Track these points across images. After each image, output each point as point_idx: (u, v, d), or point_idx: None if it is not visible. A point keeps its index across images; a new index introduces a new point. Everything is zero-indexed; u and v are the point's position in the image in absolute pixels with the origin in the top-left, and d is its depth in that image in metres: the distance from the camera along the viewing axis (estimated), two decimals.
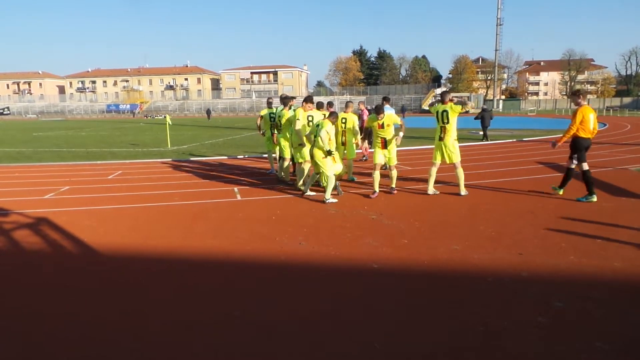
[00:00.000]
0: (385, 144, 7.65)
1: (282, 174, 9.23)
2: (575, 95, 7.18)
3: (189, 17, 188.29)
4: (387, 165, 7.94)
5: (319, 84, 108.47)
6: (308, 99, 8.12)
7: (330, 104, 9.83)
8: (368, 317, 3.47)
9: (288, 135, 8.79)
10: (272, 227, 5.93)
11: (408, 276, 4.26)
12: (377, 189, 7.68)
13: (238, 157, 14.26)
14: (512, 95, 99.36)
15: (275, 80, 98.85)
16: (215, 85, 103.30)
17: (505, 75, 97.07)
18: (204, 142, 20.27)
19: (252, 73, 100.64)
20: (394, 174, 7.88)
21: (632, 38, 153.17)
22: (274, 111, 9.66)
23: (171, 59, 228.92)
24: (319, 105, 8.52)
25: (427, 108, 68.40)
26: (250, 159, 13.84)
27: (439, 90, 79.45)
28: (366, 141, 11.91)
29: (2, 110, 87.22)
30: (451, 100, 7.61)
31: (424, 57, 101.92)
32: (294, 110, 8.41)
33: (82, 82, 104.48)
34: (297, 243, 5.25)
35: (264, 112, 10.13)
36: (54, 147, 18.75)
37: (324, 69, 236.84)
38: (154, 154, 15.61)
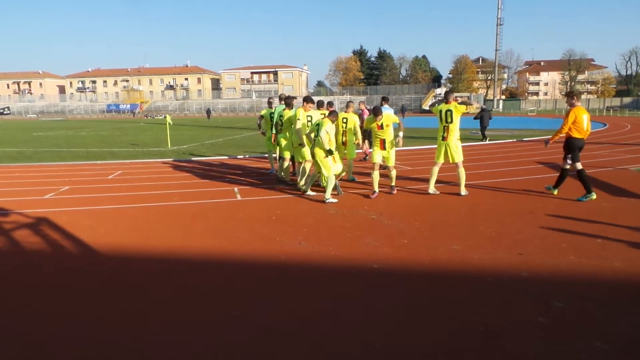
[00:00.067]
0: (384, 145, 7.64)
1: (282, 174, 9.23)
2: (569, 96, 7.29)
3: (189, 17, 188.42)
4: (386, 166, 7.93)
5: (319, 84, 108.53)
6: (308, 99, 8.12)
7: (330, 104, 9.84)
8: (368, 317, 3.47)
9: (288, 135, 8.79)
10: (272, 227, 5.93)
11: (408, 276, 4.26)
12: (376, 189, 7.68)
13: (238, 157, 14.26)
14: (512, 95, 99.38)
15: (276, 80, 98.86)
16: (216, 85, 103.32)
17: (505, 75, 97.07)
18: (204, 142, 20.27)
19: (252, 73, 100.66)
20: (393, 174, 7.88)
21: (632, 38, 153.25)
22: (273, 111, 9.65)
23: (171, 59, 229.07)
24: (319, 104, 8.52)
25: (427, 108, 68.55)
26: (250, 159, 13.84)
27: (439, 90, 79.60)
28: (367, 141, 11.92)
29: (2, 110, 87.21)
30: (455, 100, 7.61)
31: (424, 57, 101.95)
32: (295, 110, 8.42)
33: (82, 82, 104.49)
34: (297, 243, 5.25)
35: (265, 111, 10.14)
36: (54, 147, 18.76)
37: (324, 69, 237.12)
38: (154, 154, 15.61)
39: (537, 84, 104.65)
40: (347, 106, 9.39)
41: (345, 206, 7.00)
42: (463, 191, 7.62)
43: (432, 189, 7.76)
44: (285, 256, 4.84)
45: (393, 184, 7.92)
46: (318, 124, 7.43)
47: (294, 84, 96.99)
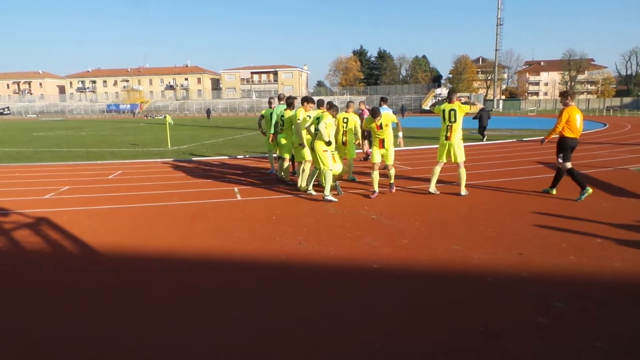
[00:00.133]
0: (383, 144, 7.64)
1: (282, 174, 9.23)
2: (563, 95, 7.39)
3: (189, 17, 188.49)
4: (385, 165, 7.92)
5: (319, 84, 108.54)
6: (309, 99, 8.12)
7: (329, 108, 9.85)
8: (368, 317, 3.47)
9: (288, 135, 8.79)
10: (272, 227, 5.93)
11: (408, 276, 4.26)
12: (376, 188, 7.68)
13: (238, 157, 14.26)
14: (512, 95, 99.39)
15: (276, 80, 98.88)
16: (216, 85, 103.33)
17: (505, 75, 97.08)
18: (204, 142, 20.26)
19: (252, 73, 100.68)
20: (392, 172, 7.88)
21: (632, 38, 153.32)
22: (272, 111, 9.63)
23: (171, 59, 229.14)
24: (319, 104, 8.53)
25: (427, 108, 68.53)
26: (250, 159, 13.84)
27: (439, 90, 79.58)
28: (367, 141, 11.93)
29: (2, 110, 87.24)
30: (459, 100, 7.62)
31: (424, 57, 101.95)
32: (295, 110, 8.41)
33: (82, 82, 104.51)
34: (297, 243, 5.25)
35: (265, 111, 10.13)
36: (54, 147, 18.75)
37: (324, 69, 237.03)
38: (154, 154, 15.61)
39: (537, 84, 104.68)
40: (348, 106, 9.40)
41: (345, 206, 7.00)
42: (463, 191, 7.62)
43: (432, 188, 7.77)
44: (285, 256, 4.84)
45: (392, 181, 7.93)
46: (318, 117, 7.45)
47: (294, 84, 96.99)
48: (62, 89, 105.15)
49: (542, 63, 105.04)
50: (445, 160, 7.65)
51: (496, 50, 79.26)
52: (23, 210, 7.08)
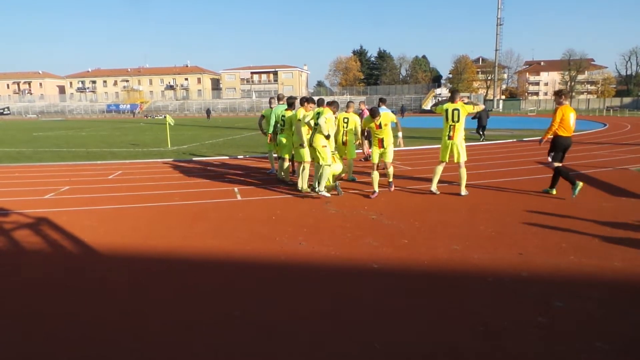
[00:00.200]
0: (382, 144, 7.64)
1: (282, 174, 9.23)
2: (557, 95, 7.50)
3: (189, 17, 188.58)
4: (384, 163, 7.90)
5: (319, 84, 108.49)
6: (309, 100, 8.13)
7: (329, 104, 9.85)
8: (368, 317, 3.47)
9: (288, 135, 8.79)
10: (272, 227, 5.93)
11: (408, 276, 4.26)
12: (376, 188, 7.68)
13: (238, 157, 14.27)
14: (512, 95, 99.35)
15: (276, 80, 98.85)
16: (216, 85, 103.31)
17: (505, 75, 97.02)
18: (204, 142, 20.26)
19: (252, 73, 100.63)
20: (391, 170, 7.88)
21: (632, 38, 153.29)
22: (271, 111, 9.62)
23: (171, 59, 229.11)
24: (319, 103, 8.54)
25: (427, 108, 68.53)
26: (250, 158, 13.84)
27: (439, 91, 79.57)
28: (367, 142, 11.93)
29: (2, 110, 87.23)
30: (461, 100, 7.64)
31: (424, 57, 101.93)
32: (296, 110, 8.41)
33: (82, 82, 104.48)
34: (297, 243, 5.25)
35: (265, 111, 10.12)
36: (54, 147, 18.75)
37: (324, 69, 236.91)
38: (154, 154, 15.61)
39: (537, 84, 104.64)
40: (348, 106, 9.41)
41: (345, 206, 7.00)
42: (463, 191, 7.62)
43: (434, 187, 7.77)
44: (285, 256, 4.84)
45: (391, 180, 7.94)
46: (319, 113, 7.46)
47: (294, 84, 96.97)
48: (62, 89, 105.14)
49: (542, 63, 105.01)
50: (447, 160, 7.65)
51: (496, 50, 79.32)
52: (23, 210, 7.08)
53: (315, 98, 8.81)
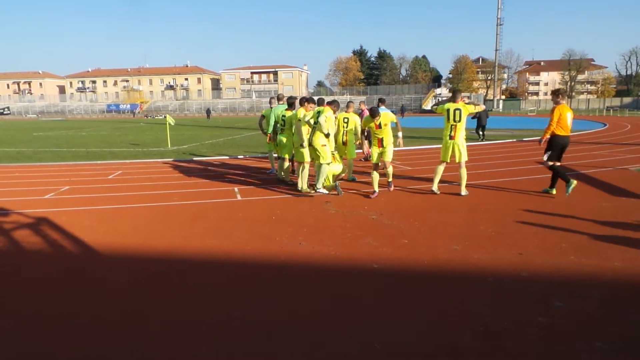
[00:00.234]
0: (382, 143, 7.63)
1: (282, 174, 9.23)
2: (554, 94, 7.51)
3: (189, 17, 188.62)
4: (383, 162, 7.88)
5: (319, 84, 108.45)
6: (309, 100, 8.13)
7: (330, 103, 9.86)
8: (368, 317, 3.47)
9: (288, 136, 8.78)
10: (272, 227, 5.93)
11: (408, 276, 4.26)
12: (376, 188, 7.68)
13: (238, 157, 14.26)
14: (512, 95, 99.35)
15: (276, 80, 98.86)
16: (216, 85, 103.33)
17: (505, 75, 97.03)
18: (204, 142, 20.26)
19: (252, 73, 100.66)
20: (390, 170, 7.86)
21: (632, 38, 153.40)
22: (271, 111, 9.61)
23: (171, 58, 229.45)
24: (320, 102, 8.55)
25: (427, 108, 68.52)
26: (250, 158, 13.84)
27: (439, 90, 79.56)
28: (367, 142, 11.94)
29: (2, 110, 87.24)
30: (462, 100, 7.66)
31: (424, 57, 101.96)
32: (296, 111, 8.40)
33: (82, 82, 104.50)
34: (297, 243, 5.25)
35: (266, 111, 10.11)
36: (54, 147, 18.75)
37: (324, 69, 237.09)
38: (154, 154, 15.61)
39: (537, 84, 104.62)
40: (348, 106, 9.41)
41: (345, 206, 7.00)
42: (463, 191, 7.62)
43: (435, 187, 7.77)
44: (285, 256, 4.84)
45: (390, 180, 7.94)
46: (319, 111, 7.47)
47: (294, 84, 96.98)
48: (62, 89, 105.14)
49: (542, 63, 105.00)
50: (449, 160, 7.65)
51: (496, 50, 79.37)
52: (23, 210, 7.08)
53: (315, 98, 8.81)
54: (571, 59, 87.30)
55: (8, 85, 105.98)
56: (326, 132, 7.35)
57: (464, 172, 7.58)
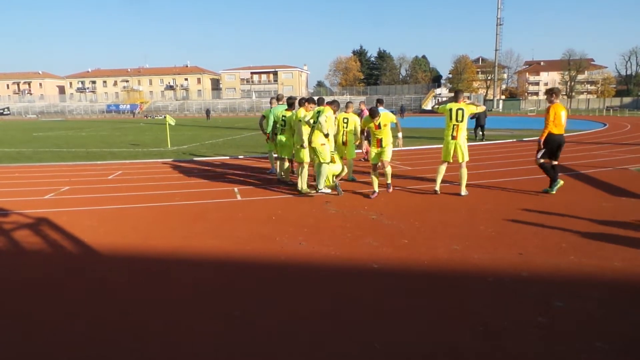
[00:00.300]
0: (380, 144, 7.61)
1: (282, 174, 9.23)
2: (548, 93, 7.61)
3: (189, 17, 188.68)
4: (382, 162, 7.85)
5: (319, 84, 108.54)
6: (310, 100, 8.13)
7: (330, 103, 9.86)
8: (368, 317, 3.47)
9: (288, 136, 8.78)
10: (272, 227, 5.93)
11: (408, 276, 4.26)
12: (376, 188, 7.68)
13: (239, 157, 14.26)
14: (512, 95, 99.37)
15: (275, 80, 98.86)
16: (215, 85, 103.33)
17: (505, 75, 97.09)
18: (204, 142, 20.26)
19: (252, 73, 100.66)
20: (388, 170, 7.81)
21: (632, 38, 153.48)
22: (270, 112, 9.60)
23: (171, 59, 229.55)
24: (320, 102, 8.55)
25: (427, 108, 68.50)
26: (250, 159, 13.84)
27: (439, 91, 79.56)
28: (367, 141, 11.93)
29: (2, 111, 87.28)
30: (463, 100, 7.67)
31: (424, 57, 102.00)
32: (296, 111, 8.40)
33: (82, 82, 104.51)
34: (298, 243, 5.25)
35: (266, 111, 10.11)
36: (54, 147, 18.76)
37: (324, 69, 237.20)
38: (154, 154, 15.61)
39: (537, 84, 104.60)
40: (347, 107, 9.41)
41: (345, 206, 7.00)
42: (463, 191, 7.62)
43: (438, 187, 7.77)
44: (286, 256, 4.84)
45: (389, 181, 7.89)
46: (319, 111, 7.47)
47: (294, 84, 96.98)
48: (62, 89, 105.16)
49: (542, 63, 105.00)
50: (451, 160, 7.65)
51: (496, 50, 79.50)
52: (23, 210, 7.08)
53: (315, 98, 8.81)
54: (571, 59, 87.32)
55: (8, 86, 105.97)
56: (326, 132, 7.34)
57: (464, 172, 7.58)
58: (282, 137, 8.96)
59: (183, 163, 12.92)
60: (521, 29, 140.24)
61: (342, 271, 4.44)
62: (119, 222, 6.44)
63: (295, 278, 4.30)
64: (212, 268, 4.61)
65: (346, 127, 8.95)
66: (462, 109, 7.43)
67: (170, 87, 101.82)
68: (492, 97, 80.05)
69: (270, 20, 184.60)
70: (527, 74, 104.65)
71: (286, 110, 8.93)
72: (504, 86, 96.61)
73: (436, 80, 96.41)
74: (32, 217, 6.66)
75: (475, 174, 9.69)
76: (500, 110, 70.81)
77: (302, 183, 7.97)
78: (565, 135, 7.55)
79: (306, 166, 7.98)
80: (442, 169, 7.75)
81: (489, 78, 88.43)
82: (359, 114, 11.10)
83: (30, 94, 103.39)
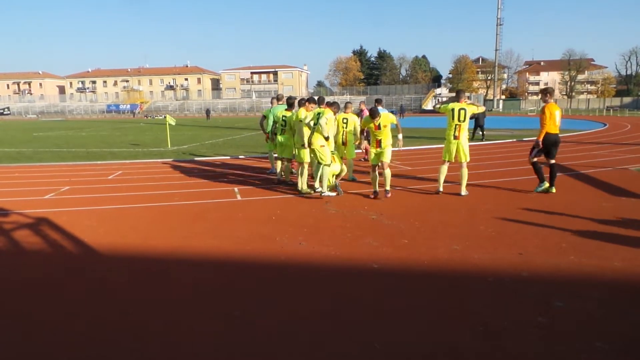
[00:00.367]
0: (380, 144, 7.54)
1: (282, 174, 9.23)
2: (543, 93, 7.70)
3: (189, 16, 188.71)
4: (382, 164, 7.79)
5: (319, 84, 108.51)
6: (310, 100, 8.12)
7: (330, 105, 9.86)
8: (368, 317, 3.47)
9: (288, 136, 8.77)
10: (272, 227, 5.93)
11: (408, 276, 4.26)
12: (376, 188, 7.67)
13: (239, 157, 14.26)
14: (512, 95, 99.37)
15: (275, 80, 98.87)
16: (216, 85, 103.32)
17: (505, 75, 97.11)
18: (204, 142, 20.27)
19: (252, 73, 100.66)
20: (388, 173, 7.55)
21: (632, 38, 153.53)
22: (270, 112, 9.59)
23: (171, 59, 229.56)
24: (320, 102, 8.54)
25: (427, 108, 68.50)
26: (250, 159, 13.84)
27: (439, 90, 79.55)
28: (366, 141, 11.92)
29: (2, 111, 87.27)
30: (464, 100, 7.68)
31: (424, 57, 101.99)
32: (296, 112, 8.39)
33: (82, 82, 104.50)
34: (297, 243, 5.25)
35: (266, 111, 10.10)
36: (54, 147, 18.76)
37: (324, 69, 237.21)
38: (154, 154, 15.61)
39: (537, 84, 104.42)
40: (346, 107, 9.41)
41: (345, 206, 7.00)
42: (463, 191, 7.62)
43: (441, 187, 7.77)
44: (286, 256, 4.84)
45: (388, 187, 7.53)
46: (319, 113, 7.46)
47: (294, 84, 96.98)
48: (62, 89, 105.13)
49: (542, 63, 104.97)
50: (452, 160, 7.65)
51: (496, 50, 79.51)
52: (23, 210, 7.08)
53: (316, 97, 8.80)
54: (571, 59, 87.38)
55: (8, 86, 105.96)
56: (326, 135, 7.32)
57: (465, 172, 7.58)
58: (282, 138, 8.93)
59: (183, 163, 12.93)
60: (521, 29, 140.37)
61: (342, 271, 4.44)
62: (119, 222, 6.44)
63: (295, 278, 4.30)
64: (212, 268, 4.61)
65: (346, 128, 8.94)
66: (464, 109, 7.43)
67: (170, 87, 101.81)
68: (492, 97, 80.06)
69: (270, 20, 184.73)
70: (527, 74, 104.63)
71: (286, 110, 8.91)
72: (504, 86, 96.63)
73: (436, 80, 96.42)
74: (32, 217, 6.66)
75: (475, 174, 9.68)
76: (500, 110, 70.82)
77: (302, 183, 7.97)
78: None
79: (306, 166, 7.98)
80: (444, 169, 7.74)
81: (489, 78, 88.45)
82: (359, 114, 11.09)
83: (31, 94, 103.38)
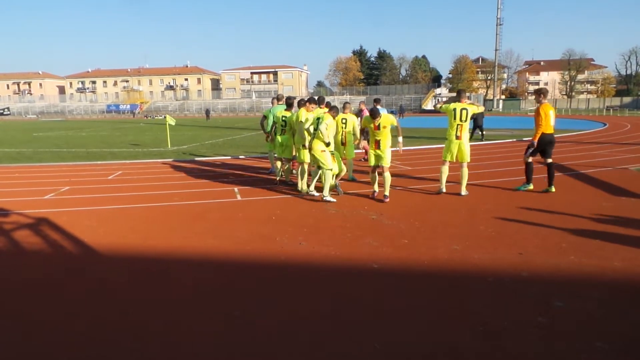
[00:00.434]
0: (379, 145, 7.51)
1: (282, 174, 9.22)
2: (537, 93, 7.79)
3: (189, 16, 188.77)
4: (381, 167, 7.76)
5: (319, 84, 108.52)
6: (311, 100, 8.12)
7: (329, 109, 9.85)
8: (368, 317, 3.47)
9: (288, 137, 8.77)
10: (272, 227, 5.93)
11: (408, 276, 4.26)
12: (376, 189, 7.67)
13: (239, 157, 14.26)
14: (512, 95, 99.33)
15: (275, 81, 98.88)
16: (215, 85, 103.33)
17: (505, 75, 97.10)
18: (204, 143, 20.27)
19: (252, 73, 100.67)
20: (387, 176, 7.38)
21: (632, 38, 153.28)
22: (270, 112, 9.59)
23: (171, 59, 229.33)
24: (320, 101, 8.53)
25: (427, 108, 68.49)
26: (250, 158, 13.84)
27: (439, 90, 79.51)
28: (366, 141, 11.92)
29: (2, 111, 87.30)
30: (465, 100, 7.68)
31: (424, 57, 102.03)
32: (296, 112, 8.39)
33: (82, 83, 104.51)
34: (297, 243, 5.25)
35: (266, 111, 10.09)
36: (54, 148, 18.76)
37: (324, 69, 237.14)
38: (154, 154, 15.61)
39: (537, 83, 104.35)
40: (344, 107, 9.41)
41: (345, 206, 7.00)
42: (463, 191, 7.62)
43: (444, 187, 7.76)
44: (286, 256, 4.84)
45: (387, 192, 7.28)
46: (319, 118, 7.45)
47: (294, 84, 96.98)
48: (62, 89, 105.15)
49: (542, 63, 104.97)
50: (453, 160, 7.64)
51: (496, 50, 79.46)
52: (23, 210, 7.08)
53: (316, 97, 8.80)
54: (571, 59, 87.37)
55: (8, 86, 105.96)
56: (327, 142, 7.30)
57: (465, 172, 7.59)
58: (282, 138, 8.90)
59: (183, 163, 12.93)
60: (521, 29, 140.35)
61: (342, 271, 4.44)
62: (119, 222, 6.44)
63: (295, 278, 4.30)
64: (212, 268, 4.61)
65: (345, 128, 8.94)
66: (466, 109, 7.44)
67: (170, 87, 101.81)
68: (492, 97, 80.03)
69: (270, 20, 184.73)
70: (527, 73, 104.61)
71: (285, 110, 8.91)
72: (504, 86, 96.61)
73: (436, 80, 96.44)
74: (32, 217, 6.66)
75: (475, 174, 9.67)
76: (500, 110, 70.81)
77: (302, 183, 7.97)
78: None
79: (306, 166, 7.98)
80: (445, 169, 7.74)
81: (489, 78, 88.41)
82: (359, 114, 11.10)
83: (30, 94, 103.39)
